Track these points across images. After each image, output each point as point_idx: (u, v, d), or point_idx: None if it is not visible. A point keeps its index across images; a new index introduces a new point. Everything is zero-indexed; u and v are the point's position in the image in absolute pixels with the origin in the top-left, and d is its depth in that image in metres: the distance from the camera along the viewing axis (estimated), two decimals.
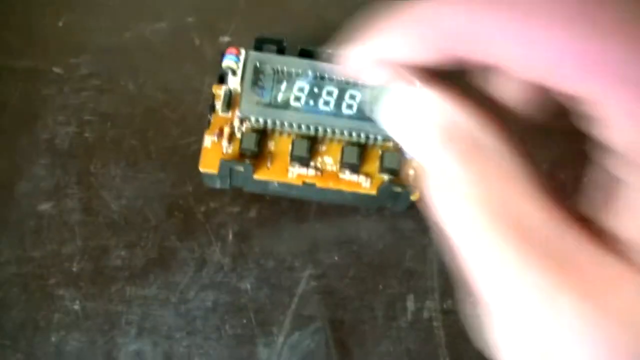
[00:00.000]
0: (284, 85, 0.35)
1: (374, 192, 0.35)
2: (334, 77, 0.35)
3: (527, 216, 0.15)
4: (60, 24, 0.42)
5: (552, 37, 0.15)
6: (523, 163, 0.16)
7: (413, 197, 0.35)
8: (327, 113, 0.34)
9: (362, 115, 0.34)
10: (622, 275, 0.14)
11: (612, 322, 0.14)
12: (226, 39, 0.42)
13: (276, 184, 0.35)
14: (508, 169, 0.16)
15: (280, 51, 0.36)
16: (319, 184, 0.35)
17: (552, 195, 0.16)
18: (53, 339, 0.35)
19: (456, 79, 0.18)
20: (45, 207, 0.38)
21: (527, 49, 0.15)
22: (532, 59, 0.16)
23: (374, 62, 0.19)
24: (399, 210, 0.38)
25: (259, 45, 0.36)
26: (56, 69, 0.41)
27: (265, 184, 0.35)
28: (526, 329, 0.15)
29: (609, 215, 0.16)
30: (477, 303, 0.16)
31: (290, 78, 0.35)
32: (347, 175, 0.35)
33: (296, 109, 0.34)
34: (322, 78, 0.35)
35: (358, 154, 0.35)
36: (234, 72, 0.36)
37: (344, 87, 0.35)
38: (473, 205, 0.16)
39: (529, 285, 0.15)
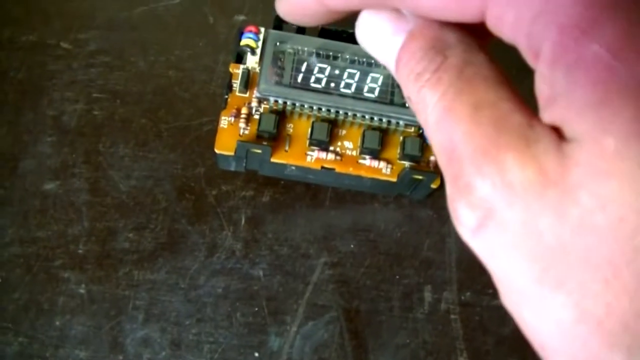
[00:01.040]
0: (304, 66, 0.33)
1: (394, 179, 0.34)
2: (356, 58, 0.34)
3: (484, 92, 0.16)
4: None
5: None
6: (483, 56, 0.17)
7: (433, 185, 0.34)
8: (348, 95, 0.33)
9: (384, 99, 0.33)
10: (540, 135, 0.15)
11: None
12: (241, 17, 0.41)
13: (293, 168, 0.34)
14: (470, 57, 0.17)
15: (301, 30, 0.35)
16: (338, 169, 0.34)
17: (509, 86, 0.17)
18: (57, 322, 0.34)
19: None
20: (50, 186, 0.36)
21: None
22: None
23: None
24: (418, 199, 0.37)
25: (279, 23, 0.35)
26: (64, 44, 0.39)
27: (281, 167, 0.34)
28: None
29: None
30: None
31: (309, 59, 0.34)
32: (367, 160, 0.34)
33: (316, 91, 0.33)
34: (342, 59, 0.34)
35: (379, 139, 0.33)
36: (252, 51, 0.34)
37: (365, 69, 0.34)
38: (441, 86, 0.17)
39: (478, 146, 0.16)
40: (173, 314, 0.34)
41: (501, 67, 0.17)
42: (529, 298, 0.15)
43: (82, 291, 0.35)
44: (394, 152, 0.34)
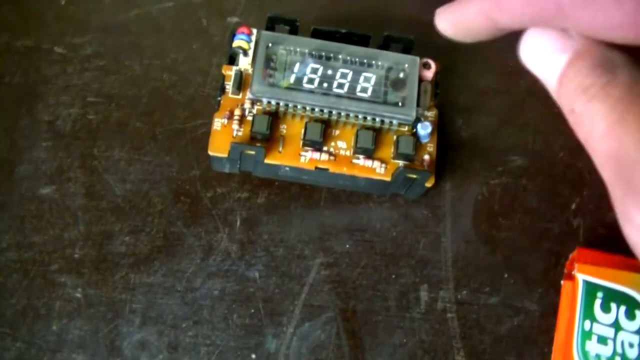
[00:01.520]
0: (296, 67, 0.33)
1: (388, 177, 0.34)
2: (349, 58, 0.34)
3: None
4: (63, 1, 0.41)
5: None
6: None
7: (428, 184, 0.34)
8: (341, 95, 0.33)
9: (377, 98, 0.33)
10: None
11: None
12: (234, 19, 0.41)
13: (287, 169, 0.34)
14: (633, 74, 0.18)
15: (293, 31, 0.35)
16: (332, 169, 0.34)
17: None
18: (54, 327, 0.34)
19: None
20: (46, 190, 0.36)
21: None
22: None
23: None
24: (413, 198, 0.37)
25: (271, 25, 0.35)
26: (58, 49, 0.39)
27: (275, 168, 0.34)
28: None
29: None
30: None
31: (303, 59, 0.34)
32: (361, 160, 0.34)
33: (309, 91, 0.33)
34: (335, 59, 0.34)
35: (372, 139, 0.33)
36: (245, 53, 0.34)
37: (358, 69, 0.34)
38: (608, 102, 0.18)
39: None
40: (170, 316, 0.34)
41: None
42: None
43: (78, 295, 0.35)
44: (387, 151, 0.34)
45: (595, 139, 0.18)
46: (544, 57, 0.20)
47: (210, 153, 0.33)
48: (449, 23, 0.22)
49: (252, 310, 0.35)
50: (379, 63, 0.34)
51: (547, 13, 0.19)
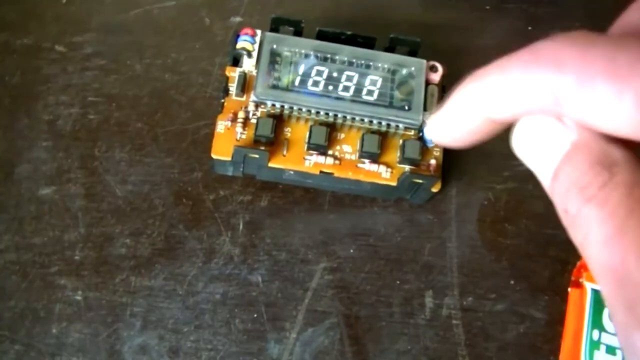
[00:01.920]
0: (301, 69, 0.33)
1: (393, 182, 0.33)
2: (354, 60, 0.33)
3: None
4: (64, 0, 0.40)
5: None
6: None
7: (434, 189, 0.34)
8: (346, 98, 0.33)
9: (383, 102, 0.33)
10: None
11: None
12: (237, 19, 0.40)
13: (291, 173, 0.34)
14: (638, 178, 0.17)
15: (298, 33, 0.35)
16: (337, 173, 0.33)
17: None
18: (54, 330, 0.34)
19: None
20: (46, 191, 0.36)
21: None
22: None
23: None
24: (418, 202, 0.36)
25: (275, 26, 0.34)
26: (59, 47, 0.39)
27: (279, 172, 0.34)
28: None
29: None
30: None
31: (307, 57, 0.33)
32: (366, 164, 0.33)
33: (314, 94, 0.33)
34: (340, 62, 0.33)
35: (378, 143, 0.33)
36: (249, 54, 0.34)
37: (364, 71, 0.33)
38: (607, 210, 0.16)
39: None
40: (171, 320, 0.34)
41: None
42: None
43: (78, 298, 0.34)
44: (393, 155, 0.34)
45: (592, 248, 0.16)
46: (538, 148, 0.18)
47: (214, 156, 0.33)
48: (443, 133, 0.21)
49: (255, 315, 0.34)
50: (385, 66, 0.34)
51: (543, 104, 0.17)
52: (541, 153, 0.18)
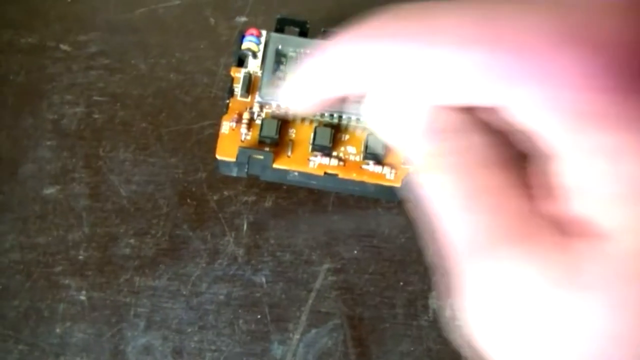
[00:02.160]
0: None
1: (398, 184, 0.33)
2: None
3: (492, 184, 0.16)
4: None
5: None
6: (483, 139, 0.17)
7: None
8: (351, 99, 0.33)
9: None
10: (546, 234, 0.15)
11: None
12: (242, 18, 0.40)
13: (296, 174, 0.34)
14: (470, 142, 0.17)
15: (303, 33, 0.34)
16: (342, 174, 0.33)
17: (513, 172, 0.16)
18: (58, 330, 0.34)
19: None
20: (50, 191, 0.36)
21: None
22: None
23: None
24: None
25: (281, 26, 0.34)
26: (63, 46, 0.39)
27: (284, 173, 0.34)
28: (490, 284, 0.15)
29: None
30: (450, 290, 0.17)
31: None
32: (370, 166, 0.33)
33: None
34: None
35: (383, 144, 0.33)
36: (254, 55, 0.34)
37: None
38: (449, 182, 0.16)
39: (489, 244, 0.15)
40: (175, 321, 0.34)
41: (507, 151, 0.17)
42: None
43: (82, 298, 0.34)
44: (398, 157, 0.34)
45: (431, 217, 0.16)
46: (385, 121, 0.18)
47: (218, 157, 0.33)
48: (295, 101, 0.20)
49: (258, 316, 0.34)
50: None
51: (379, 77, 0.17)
52: (388, 126, 0.18)
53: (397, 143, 0.18)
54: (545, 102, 0.15)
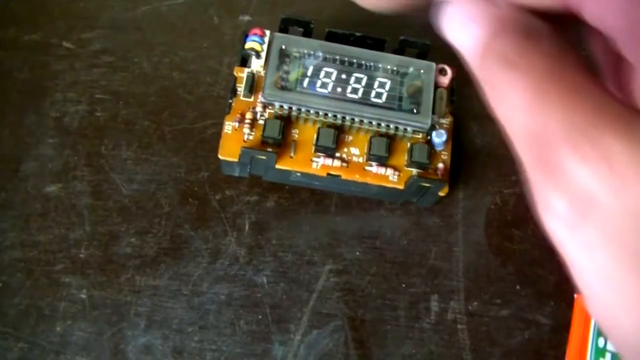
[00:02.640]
0: (310, 70, 0.33)
1: (401, 186, 0.33)
2: (363, 62, 0.33)
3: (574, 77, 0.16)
4: None
5: None
6: (574, 49, 0.17)
7: (441, 193, 0.34)
8: (354, 101, 0.33)
9: (392, 105, 0.33)
10: None
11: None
12: (246, 17, 0.40)
13: (298, 174, 0.33)
14: (562, 47, 0.17)
15: (307, 33, 0.34)
16: (345, 175, 0.33)
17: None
18: (58, 328, 0.34)
19: None
20: (52, 188, 0.36)
21: None
22: None
23: None
24: (425, 206, 0.36)
25: (285, 26, 0.34)
26: (67, 44, 0.39)
27: (286, 173, 0.34)
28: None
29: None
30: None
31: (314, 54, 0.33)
32: (373, 167, 0.33)
33: (322, 96, 0.32)
34: (349, 63, 0.33)
35: (386, 146, 0.33)
36: (257, 55, 0.34)
37: (372, 74, 0.33)
38: (529, 74, 0.16)
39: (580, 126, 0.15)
40: (175, 320, 0.34)
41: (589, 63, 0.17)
42: (631, 302, 0.14)
43: (83, 296, 0.34)
44: (401, 159, 0.34)
45: (514, 116, 0.16)
46: (465, 27, 0.18)
47: (221, 157, 0.33)
48: None
49: (260, 317, 0.34)
50: (394, 68, 0.33)
51: None
52: (468, 32, 0.18)
53: (474, 46, 0.18)
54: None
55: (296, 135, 0.33)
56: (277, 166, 0.33)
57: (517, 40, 0.17)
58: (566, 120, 0.15)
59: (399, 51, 0.35)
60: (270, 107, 0.33)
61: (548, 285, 0.35)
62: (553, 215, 0.15)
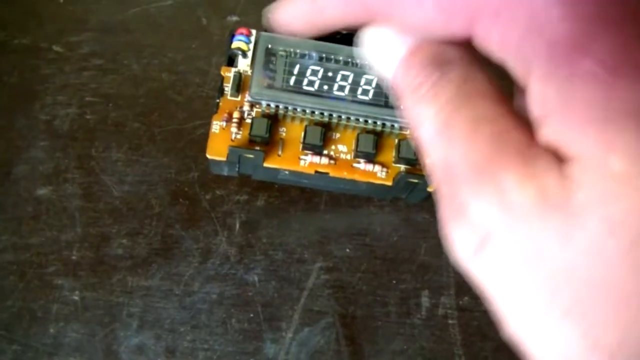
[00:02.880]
0: (296, 69, 0.33)
1: (389, 182, 0.33)
2: (350, 59, 0.33)
3: (482, 109, 0.16)
4: (61, 0, 0.40)
5: None
6: (482, 73, 0.17)
7: (430, 189, 0.34)
8: (341, 98, 0.33)
9: (379, 101, 0.33)
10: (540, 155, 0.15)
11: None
12: (234, 18, 0.40)
13: (287, 173, 0.33)
14: (469, 74, 0.17)
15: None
16: (332, 173, 0.33)
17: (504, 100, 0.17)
18: (51, 330, 0.34)
19: None
20: (43, 191, 0.36)
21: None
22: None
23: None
24: (414, 202, 0.36)
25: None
26: (56, 47, 0.39)
27: (275, 172, 0.34)
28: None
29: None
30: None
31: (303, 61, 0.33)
32: (361, 164, 0.33)
33: (309, 94, 0.33)
34: (336, 61, 0.33)
35: (374, 143, 0.33)
36: (244, 54, 0.34)
37: (359, 71, 0.33)
38: (439, 104, 0.17)
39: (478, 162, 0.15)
40: (167, 320, 0.34)
41: (500, 85, 0.17)
42: (533, 327, 0.15)
43: (75, 298, 0.34)
44: (389, 155, 0.34)
45: (424, 146, 0.17)
46: (379, 55, 0.19)
47: (209, 156, 0.33)
48: (284, 19, 0.22)
49: (251, 315, 0.34)
50: None
51: (358, 14, 0.18)
52: (382, 59, 0.19)
53: (390, 75, 0.19)
54: (508, 33, 0.15)
55: (284, 134, 0.33)
56: (265, 164, 0.33)
57: (425, 72, 0.17)
58: (467, 156, 0.15)
59: None
60: (257, 106, 0.33)
61: None
62: (455, 247, 0.16)
